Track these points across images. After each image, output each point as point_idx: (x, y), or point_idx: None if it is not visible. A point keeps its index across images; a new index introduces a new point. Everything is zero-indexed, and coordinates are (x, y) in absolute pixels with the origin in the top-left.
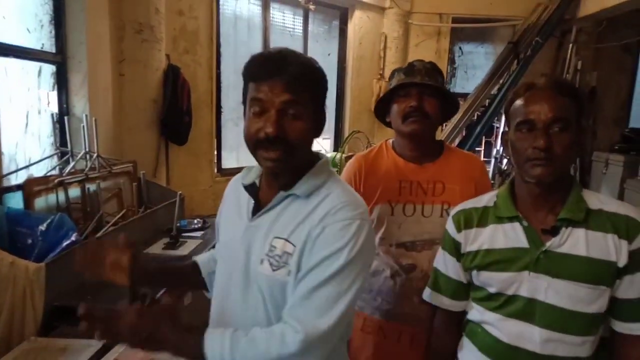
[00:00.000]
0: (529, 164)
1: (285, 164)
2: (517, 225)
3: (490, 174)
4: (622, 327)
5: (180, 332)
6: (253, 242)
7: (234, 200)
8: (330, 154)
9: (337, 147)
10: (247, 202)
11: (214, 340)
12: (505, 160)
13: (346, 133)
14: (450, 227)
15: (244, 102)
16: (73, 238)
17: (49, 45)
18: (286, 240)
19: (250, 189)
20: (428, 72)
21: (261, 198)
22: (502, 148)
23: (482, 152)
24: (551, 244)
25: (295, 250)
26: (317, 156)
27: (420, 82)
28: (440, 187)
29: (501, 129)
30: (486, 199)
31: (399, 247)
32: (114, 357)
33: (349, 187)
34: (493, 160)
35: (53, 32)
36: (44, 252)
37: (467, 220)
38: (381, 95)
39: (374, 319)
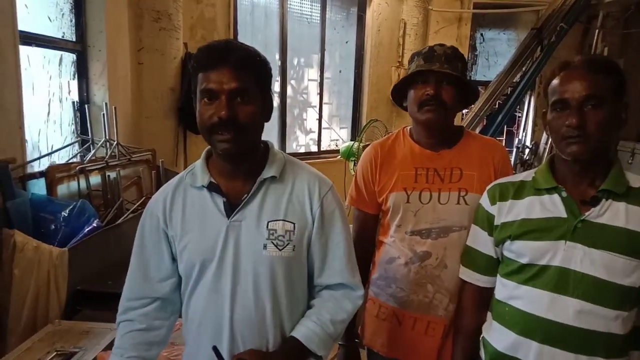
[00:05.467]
0: (564, 142)
1: (238, 145)
2: (555, 196)
3: (512, 164)
4: None
5: (283, 354)
6: (241, 235)
7: (186, 213)
8: (347, 143)
9: (354, 136)
10: (212, 204)
11: (310, 339)
12: (527, 150)
13: (364, 122)
14: (484, 200)
15: (194, 93)
16: (94, 224)
17: (70, 34)
18: (284, 220)
19: (216, 188)
20: (448, 59)
21: (227, 194)
22: (524, 137)
23: (504, 141)
24: (590, 213)
25: (296, 226)
26: (266, 142)
27: (439, 70)
28: (458, 174)
29: (523, 118)
30: (523, 175)
31: (414, 235)
32: None
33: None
34: (515, 150)
35: (73, 20)
36: (67, 238)
37: (502, 193)
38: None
39: (388, 305)
